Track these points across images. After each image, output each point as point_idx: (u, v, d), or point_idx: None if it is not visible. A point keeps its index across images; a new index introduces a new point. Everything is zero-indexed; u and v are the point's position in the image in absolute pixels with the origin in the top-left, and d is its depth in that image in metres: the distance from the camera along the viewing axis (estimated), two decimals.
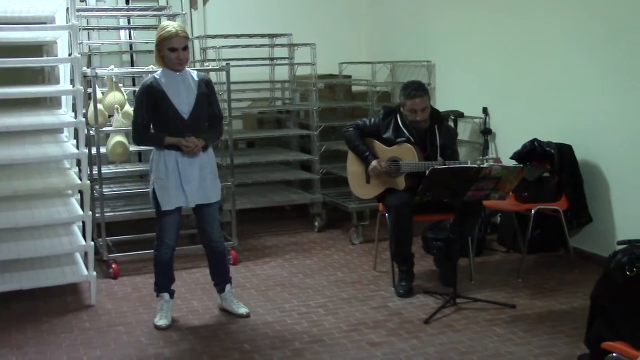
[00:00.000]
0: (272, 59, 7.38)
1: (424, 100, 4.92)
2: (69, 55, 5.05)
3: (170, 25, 4.27)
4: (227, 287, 4.66)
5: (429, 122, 4.99)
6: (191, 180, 4.37)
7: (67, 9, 4.92)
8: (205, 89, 4.41)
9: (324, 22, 7.89)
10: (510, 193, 4.83)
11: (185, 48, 4.29)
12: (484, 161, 4.56)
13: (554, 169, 5.36)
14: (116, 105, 5.50)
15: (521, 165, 5.34)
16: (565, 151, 5.40)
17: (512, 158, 5.55)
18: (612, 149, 5.25)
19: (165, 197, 4.35)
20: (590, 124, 5.40)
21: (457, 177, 4.40)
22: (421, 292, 4.92)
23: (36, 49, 6.29)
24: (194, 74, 4.43)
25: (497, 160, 4.66)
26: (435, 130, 4.99)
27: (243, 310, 4.60)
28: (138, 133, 4.39)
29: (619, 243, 3.55)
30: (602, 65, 5.27)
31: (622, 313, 3.24)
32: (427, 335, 4.22)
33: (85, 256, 5.00)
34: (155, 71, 4.49)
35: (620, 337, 3.22)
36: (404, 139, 4.98)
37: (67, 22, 4.97)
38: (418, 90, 4.92)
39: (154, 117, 4.34)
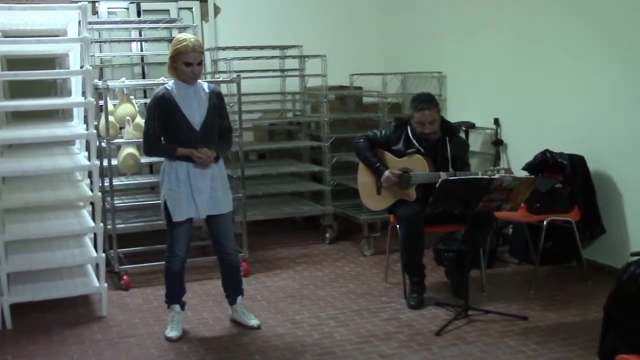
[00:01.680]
0: (282, 70, 7.39)
1: (433, 113, 4.91)
2: (81, 67, 5.07)
3: (188, 40, 4.26)
4: (239, 299, 4.66)
5: (439, 134, 4.99)
6: (203, 191, 4.37)
7: (79, 22, 4.95)
8: (216, 100, 4.42)
9: (335, 33, 7.90)
10: (522, 204, 4.80)
11: (200, 63, 4.30)
12: (495, 172, 4.55)
13: (566, 180, 5.33)
14: (127, 117, 5.52)
15: (533, 176, 5.31)
16: (577, 162, 5.37)
17: (523, 169, 5.52)
18: (625, 160, 5.22)
19: (176, 208, 4.36)
20: (603, 135, 5.37)
21: (468, 188, 4.39)
22: (432, 303, 4.90)
23: (49, 61, 6.33)
24: (205, 85, 4.45)
25: (508, 170, 4.65)
26: (446, 142, 4.99)
27: (254, 322, 4.59)
28: (149, 144, 4.40)
29: (633, 254, 3.52)
30: (615, 76, 5.25)
31: (636, 325, 3.21)
32: (438, 347, 4.20)
33: (96, 268, 5.01)
34: (167, 82, 4.51)
35: (634, 349, 3.19)
36: (414, 150, 4.98)
37: (79, 35, 4.99)
38: (426, 102, 4.92)
39: (165, 128, 4.35)
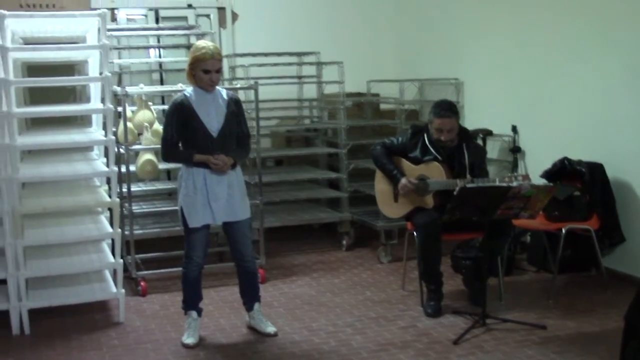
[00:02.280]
0: (300, 77, 7.40)
1: (452, 122, 4.90)
2: (100, 74, 5.10)
3: (207, 47, 4.28)
4: (256, 305, 4.66)
5: (456, 141, 4.97)
6: (219, 197, 4.38)
7: (99, 29, 4.98)
8: (235, 107, 4.43)
9: (352, 40, 7.90)
10: (541, 212, 4.77)
11: (219, 71, 4.32)
12: (513, 178, 4.53)
13: (584, 188, 5.30)
14: (146, 124, 5.54)
15: (551, 184, 5.29)
16: (596, 170, 5.34)
17: (542, 176, 5.50)
18: None
19: (193, 214, 4.37)
20: (622, 142, 5.33)
21: (486, 196, 4.37)
22: (450, 312, 4.87)
23: (68, 68, 6.37)
24: (224, 92, 4.46)
25: (526, 176, 4.62)
26: (464, 149, 4.97)
27: (271, 329, 4.59)
28: (167, 150, 4.42)
29: None
30: (634, 83, 5.21)
31: None
32: (456, 356, 4.17)
33: (114, 274, 5.03)
34: (185, 89, 4.53)
35: None
36: (431, 157, 4.97)
37: (98, 42, 5.02)
38: (448, 110, 4.91)
39: (183, 134, 4.36)
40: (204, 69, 4.26)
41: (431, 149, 4.98)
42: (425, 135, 5.02)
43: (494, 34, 6.63)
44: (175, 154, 4.44)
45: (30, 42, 5.75)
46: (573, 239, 5.29)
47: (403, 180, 4.97)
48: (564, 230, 5.10)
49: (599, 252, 5.20)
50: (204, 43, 4.36)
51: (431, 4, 7.57)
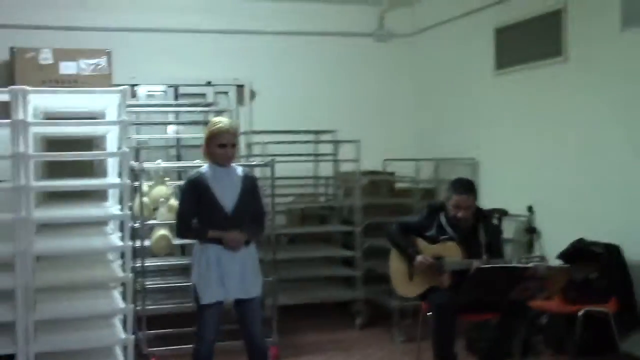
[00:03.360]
0: (316, 155, 7.45)
1: (471, 200, 4.91)
2: (118, 149, 5.16)
3: (222, 122, 4.35)
4: None
5: (471, 221, 4.96)
6: (232, 275, 4.36)
7: (119, 104, 5.06)
8: (250, 184, 4.46)
9: (369, 119, 7.96)
10: (557, 293, 4.71)
11: (234, 145, 4.37)
12: (529, 259, 4.49)
13: (601, 270, 5.23)
14: (161, 199, 5.57)
15: (567, 265, 5.23)
16: (613, 252, 5.29)
17: (558, 258, 5.44)
18: None
19: (205, 291, 4.34)
20: (639, 224, 5.29)
21: (502, 277, 4.32)
22: None
23: (86, 141, 6.44)
24: (239, 169, 4.49)
25: (543, 258, 4.58)
26: (480, 229, 4.96)
27: None
28: (181, 226, 4.43)
29: None
30: None
31: None
32: None
33: (124, 350, 4.97)
34: (202, 165, 4.57)
35: None
36: (447, 236, 4.95)
37: (117, 118, 5.10)
38: (467, 188, 4.94)
39: (198, 210, 4.38)
40: (219, 143, 4.31)
41: (447, 228, 4.97)
42: (442, 215, 5.02)
43: (510, 114, 6.68)
44: (189, 230, 4.45)
45: (50, 116, 5.84)
46: (591, 322, 5.20)
47: (419, 258, 4.94)
48: (580, 313, 5.02)
49: (617, 336, 5.10)
50: (219, 118, 4.45)
51: (448, 85, 7.66)
